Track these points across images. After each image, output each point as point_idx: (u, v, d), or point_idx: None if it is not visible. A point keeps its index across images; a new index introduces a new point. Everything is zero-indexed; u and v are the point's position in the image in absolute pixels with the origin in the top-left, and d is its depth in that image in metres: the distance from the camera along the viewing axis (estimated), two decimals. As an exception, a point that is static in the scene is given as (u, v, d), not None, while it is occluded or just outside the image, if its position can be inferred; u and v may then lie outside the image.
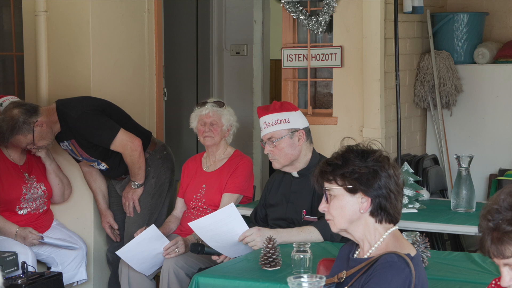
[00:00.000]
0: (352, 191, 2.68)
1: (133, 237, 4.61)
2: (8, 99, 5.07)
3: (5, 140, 4.83)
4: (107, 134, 4.94)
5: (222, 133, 4.92)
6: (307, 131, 4.22)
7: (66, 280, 5.02)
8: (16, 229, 4.93)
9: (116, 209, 5.33)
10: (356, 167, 2.67)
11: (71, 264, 5.14)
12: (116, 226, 5.30)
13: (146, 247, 4.53)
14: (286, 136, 4.14)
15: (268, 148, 4.17)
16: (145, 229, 4.55)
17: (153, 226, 4.51)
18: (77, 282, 5.19)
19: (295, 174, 4.23)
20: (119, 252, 4.57)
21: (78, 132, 4.94)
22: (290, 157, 4.16)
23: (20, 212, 5.03)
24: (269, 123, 4.17)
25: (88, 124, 4.92)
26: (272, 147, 4.15)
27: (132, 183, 5.11)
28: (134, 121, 5.19)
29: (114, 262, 5.22)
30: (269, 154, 4.18)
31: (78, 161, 5.24)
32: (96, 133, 4.95)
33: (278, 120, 4.16)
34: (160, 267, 4.65)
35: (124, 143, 4.95)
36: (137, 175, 5.07)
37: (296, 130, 4.16)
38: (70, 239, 5.18)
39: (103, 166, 5.12)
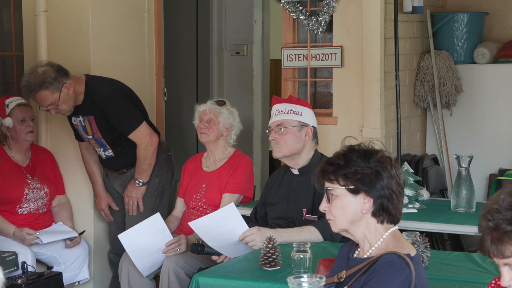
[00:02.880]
0: (354, 192, 2.68)
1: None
2: (14, 100, 5.08)
3: (31, 93, 4.79)
4: (131, 122, 4.93)
5: (218, 131, 4.91)
6: (315, 131, 4.23)
7: (68, 279, 5.02)
8: (13, 230, 4.93)
9: (116, 211, 5.30)
10: (358, 167, 2.67)
11: (74, 264, 5.14)
12: (117, 208, 5.25)
13: (148, 238, 4.45)
14: (295, 127, 4.16)
15: (274, 135, 4.17)
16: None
17: (157, 214, 4.46)
18: (79, 281, 5.19)
19: (296, 172, 4.24)
20: (121, 236, 4.44)
21: (103, 110, 4.90)
22: (292, 149, 4.16)
23: (20, 212, 5.03)
24: (282, 111, 4.19)
25: (116, 106, 4.90)
26: (278, 134, 4.16)
27: (136, 180, 5.07)
28: (149, 118, 5.19)
29: (116, 264, 5.20)
30: (272, 141, 4.19)
31: (81, 140, 5.18)
32: (121, 117, 4.92)
33: (291, 110, 4.18)
34: (160, 267, 4.65)
35: (144, 136, 4.94)
36: (145, 172, 5.04)
37: (306, 125, 4.18)
38: (67, 229, 5.13)
39: (109, 152, 5.07)
